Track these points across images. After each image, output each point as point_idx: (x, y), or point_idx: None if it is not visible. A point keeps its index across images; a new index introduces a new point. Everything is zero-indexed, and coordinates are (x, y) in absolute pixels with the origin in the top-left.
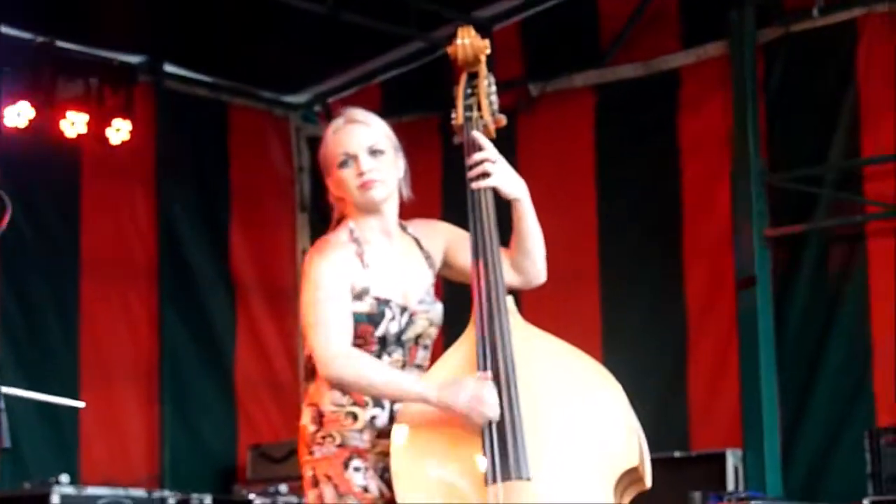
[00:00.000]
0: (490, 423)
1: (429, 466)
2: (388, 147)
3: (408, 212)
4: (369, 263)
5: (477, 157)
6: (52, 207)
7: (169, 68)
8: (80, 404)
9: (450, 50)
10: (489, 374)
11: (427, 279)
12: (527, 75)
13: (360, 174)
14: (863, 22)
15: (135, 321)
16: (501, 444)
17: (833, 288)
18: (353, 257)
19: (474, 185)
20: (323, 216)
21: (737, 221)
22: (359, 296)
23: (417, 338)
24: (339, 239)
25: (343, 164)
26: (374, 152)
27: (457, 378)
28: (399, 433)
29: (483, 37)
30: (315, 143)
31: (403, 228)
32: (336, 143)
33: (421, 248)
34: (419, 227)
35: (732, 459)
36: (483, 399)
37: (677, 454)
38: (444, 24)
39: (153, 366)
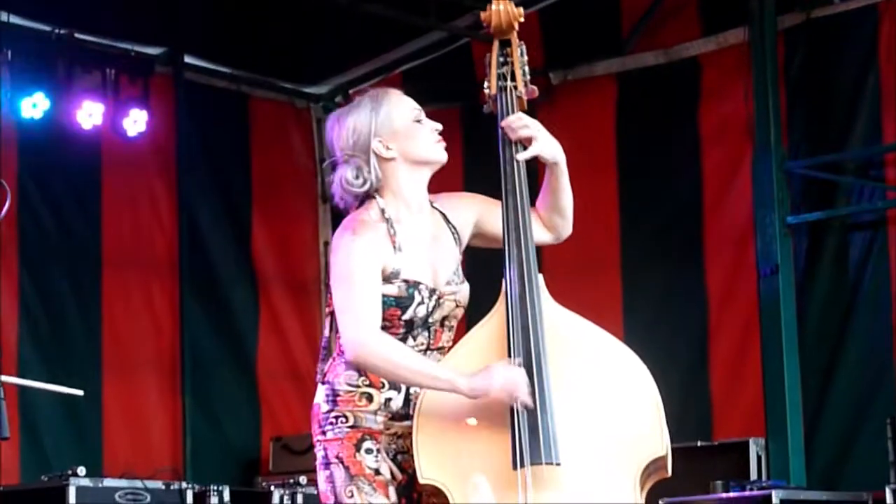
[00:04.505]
0: (520, 407)
1: (454, 447)
2: None
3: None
4: (401, 246)
5: (518, 124)
6: (73, 199)
7: (189, 59)
8: (79, 392)
9: (483, 15)
10: (520, 360)
11: (455, 257)
12: (547, 64)
13: (437, 131)
14: (884, 7)
15: (156, 313)
16: (531, 427)
17: (855, 275)
18: (384, 239)
19: (520, 156)
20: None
21: (758, 209)
22: (388, 279)
23: (443, 320)
24: (369, 217)
25: (418, 121)
26: None
27: (487, 365)
28: (424, 415)
29: None
30: None
31: (430, 203)
32: (405, 102)
33: (448, 222)
34: (445, 200)
35: (755, 448)
36: (520, 384)
37: (700, 443)
38: (464, 13)
39: (175, 358)
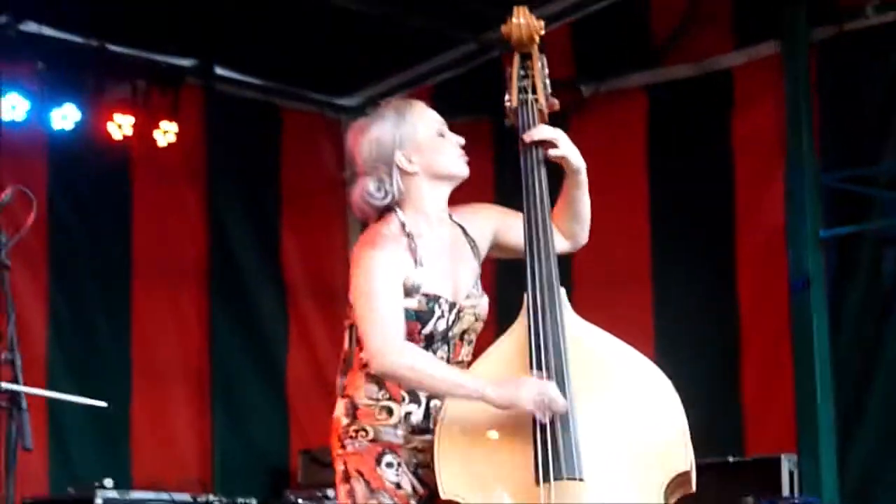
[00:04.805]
0: (543, 421)
1: (475, 462)
2: None
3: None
4: (422, 260)
5: (542, 131)
6: (103, 210)
7: (220, 71)
8: (103, 404)
9: (504, 29)
10: (545, 373)
11: (474, 270)
12: (579, 76)
13: (460, 145)
14: None
15: (186, 323)
16: (554, 442)
17: (888, 289)
18: (405, 253)
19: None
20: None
21: (790, 222)
22: (408, 293)
23: (463, 333)
24: (390, 231)
25: (441, 134)
26: None
27: (517, 377)
28: (445, 429)
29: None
30: None
31: (450, 216)
32: (429, 114)
33: (467, 235)
34: (464, 213)
35: (787, 464)
36: (551, 395)
37: (731, 459)
38: (495, 25)
39: (204, 368)
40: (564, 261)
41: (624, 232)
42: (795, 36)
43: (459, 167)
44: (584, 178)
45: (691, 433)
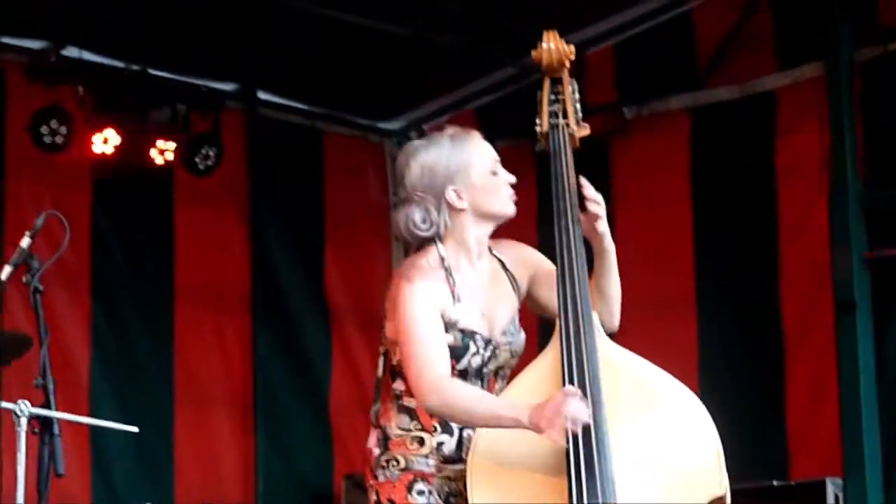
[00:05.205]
0: (576, 445)
1: (508, 491)
2: None
3: (502, 238)
4: (459, 296)
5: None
6: (145, 234)
7: (262, 95)
8: (134, 429)
9: (534, 54)
10: (577, 389)
11: (512, 306)
12: (621, 99)
13: (511, 185)
14: None
15: (229, 347)
16: (588, 466)
17: None
18: (443, 286)
19: (586, 227)
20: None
21: (835, 244)
22: (445, 328)
23: (498, 370)
24: (428, 263)
25: (495, 172)
26: None
27: (546, 399)
28: (477, 457)
29: (577, 61)
30: None
31: (490, 250)
32: (485, 150)
33: (506, 270)
34: (505, 248)
35: (832, 488)
36: (568, 413)
37: (775, 483)
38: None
39: (247, 393)
40: None
41: (667, 255)
42: (839, 57)
43: (508, 208)
44: (613, 258)
45: (735, 457)
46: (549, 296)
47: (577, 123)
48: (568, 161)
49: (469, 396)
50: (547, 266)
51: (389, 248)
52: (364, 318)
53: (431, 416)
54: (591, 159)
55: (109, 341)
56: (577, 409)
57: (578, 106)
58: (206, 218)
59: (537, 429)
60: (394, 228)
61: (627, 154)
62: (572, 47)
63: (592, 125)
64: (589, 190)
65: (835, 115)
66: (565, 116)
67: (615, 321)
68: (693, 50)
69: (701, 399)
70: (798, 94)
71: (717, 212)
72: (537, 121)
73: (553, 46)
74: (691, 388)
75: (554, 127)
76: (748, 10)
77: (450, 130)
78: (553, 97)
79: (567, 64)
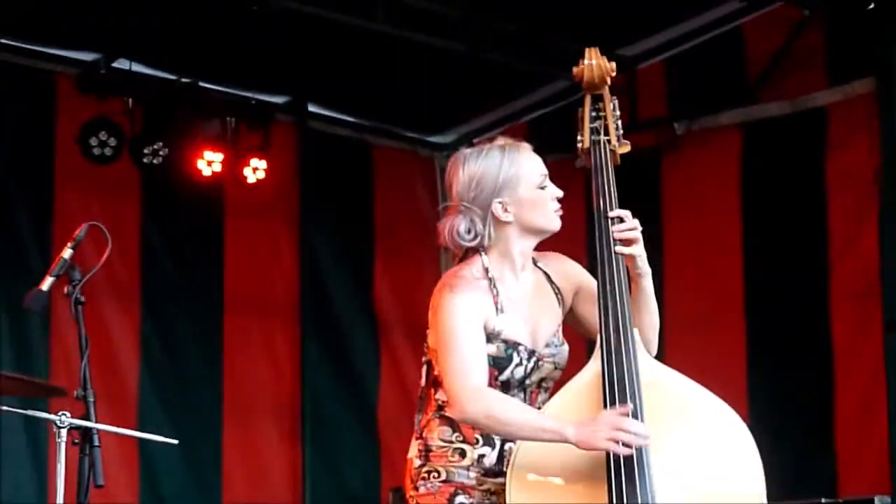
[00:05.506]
0: (618, 460)
1: (547, 500)
2: None
3: (549, 251)
4: (503, 307)
5: (626, 225)
6: (195, 245)
7: (312, 108)
8: (174, 441)
9: (576, 71)
10: (628, 407)
11: (556, 318)
12: (671, 114)
13: (558, 199)
14: None
15: (277, 358)
16: (630, 482)
17: None
18: (486, 297)
19: (617, 249)
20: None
21: (885, 261)
22: (488, 338)
23: (541, 381)
24: (471, 273)
25: (543, 187)
26: None
27: (590, 414)
28: (517, 471)
29: (628, 76)
30: None
31: (534, 262)
32: (534, 163)
33: (551, 282)
34: (550, 261)
35: None
36: (629, 428)
37: (824, 500)
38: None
39: (295, 404)
40: (657, 296)
41: (717, 270)
42: (890, 72)
43: (554, 223)
44: (649, 283)
45: (784, 473)
46: (591, 311)
47: (618, 140)
48: (609, 177)
49: (502, 409)
50: (590, 282)
51: (438, 260)
52: (413, 330)
53: (473, 427)
54: (642, 174)
55: (159, 351)
56: (639, 429)
57: (620, 123)
58: (255, 229)
59: (585, 445)
60: (438, 235)
61: (678, 169)
62: (614, 64)
63: (643, 140)
64: (628, 227)
65: (885, 130)
66: (607, 133)
67: (652, 349)
68: (744, 65)
69: (749, 414)
70: (849, 109)
71: (767, 227)
72: (579, 137)
73: (595, 63)
74: (740, 403)
75: (595, 143)
76: (799, 26)
77: (500, 141)
78: (594, 114)
79: (608, 81)
